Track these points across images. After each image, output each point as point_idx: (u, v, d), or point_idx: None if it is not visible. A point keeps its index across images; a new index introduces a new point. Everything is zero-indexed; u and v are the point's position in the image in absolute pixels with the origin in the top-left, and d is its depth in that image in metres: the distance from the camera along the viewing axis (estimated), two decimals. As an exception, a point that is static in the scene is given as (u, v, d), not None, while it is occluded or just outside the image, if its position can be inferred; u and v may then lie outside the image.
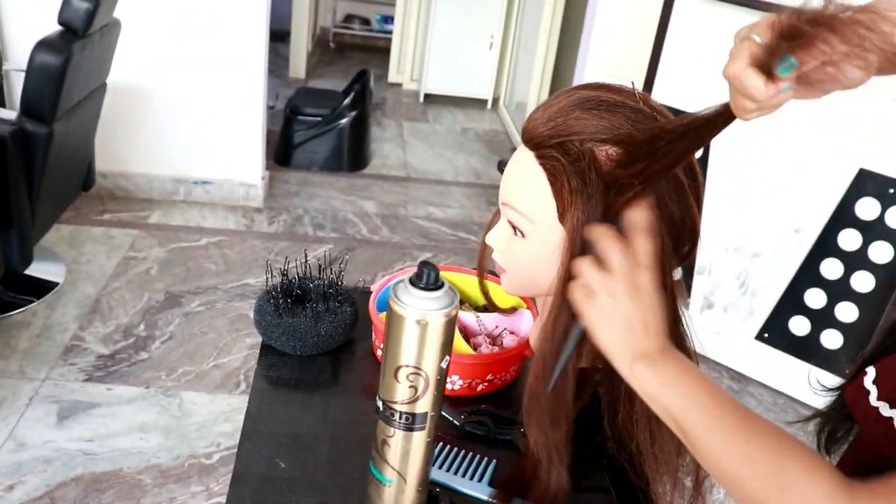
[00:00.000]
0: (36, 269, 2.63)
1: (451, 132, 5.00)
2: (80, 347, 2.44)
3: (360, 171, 4.12)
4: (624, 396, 0.93)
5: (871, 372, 0.86)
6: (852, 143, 2.34)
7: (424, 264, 0.70)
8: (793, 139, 2.43)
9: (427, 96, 5.39)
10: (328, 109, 3.92)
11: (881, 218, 2.35)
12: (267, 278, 1.13)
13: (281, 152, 3.94)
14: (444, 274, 1.21)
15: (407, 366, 0.71)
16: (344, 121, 3.94)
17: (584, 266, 0.74)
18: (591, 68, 3.42)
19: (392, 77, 5.63)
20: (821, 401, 0.90)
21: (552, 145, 0.85)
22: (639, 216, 0.75)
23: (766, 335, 2.64)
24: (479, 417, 1.00)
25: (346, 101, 3.94)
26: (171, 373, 2.39)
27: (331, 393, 1.04)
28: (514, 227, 0.91)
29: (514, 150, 3.82)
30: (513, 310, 1.16)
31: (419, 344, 0.70)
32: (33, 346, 2.41)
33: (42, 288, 2.69)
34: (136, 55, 3.13)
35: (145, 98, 3.25)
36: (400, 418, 0.74)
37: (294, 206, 3.60)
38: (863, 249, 2.40)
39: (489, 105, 5.47)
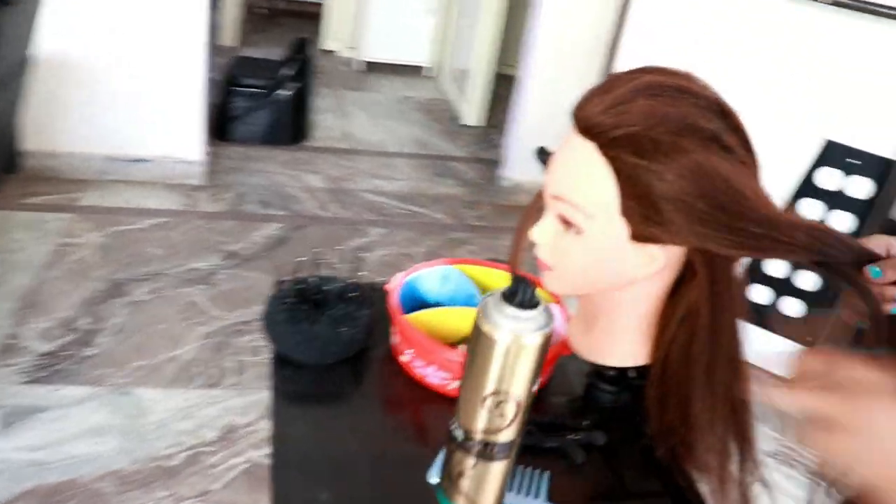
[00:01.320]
0: (-39, 260, 2.41)
1: (391, 101, 4.86)
2: (18, 346, 2.25)
3: (302, 144, 3.95)
4: (674, 394, 0.88)
5: None
6: (816, 113, 2.34)
7: (519, 280, 0.61)
8: (758, 111, 2.42)
9: (365, 64, 5.22)
10: (268, 80, 3.73)
11: (842, 188, 2.37)
12: (276, 282, 1.02)
13: (219, 126, 3.73)
14: (459, 267, 1.13)
15: (497, 392, 0.63)
16: (285, 92, 3.76)
17: (817, 401, 0.60)
18: (545, 34, 3.34)
19: (326, 44, 5.42)
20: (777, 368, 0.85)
21: (617, 139, 0.77)
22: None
23: (730, 305, 2.65)
24: (523, 427, 0.93)
25: (289, 71, 3.76)
26: (122, 368, 2.23)
27: (359, 406, 0.95)
28: (567, 222, 0.83)
29: (454, 118, 3.72)
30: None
31: (513, 368, 0.62)
32: (-35, 346, 2.21)
33: (-31, 280, 2.47)
34: (63, 25, 2.88)
35: (73, 71, 3.00)
36: (484, 448, 0.66)
37: (237, 183, 3.42)
38: (824, 219, 2.42)
39: (428, 73, 5.34)
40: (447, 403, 0.94)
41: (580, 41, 3.34)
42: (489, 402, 0.63)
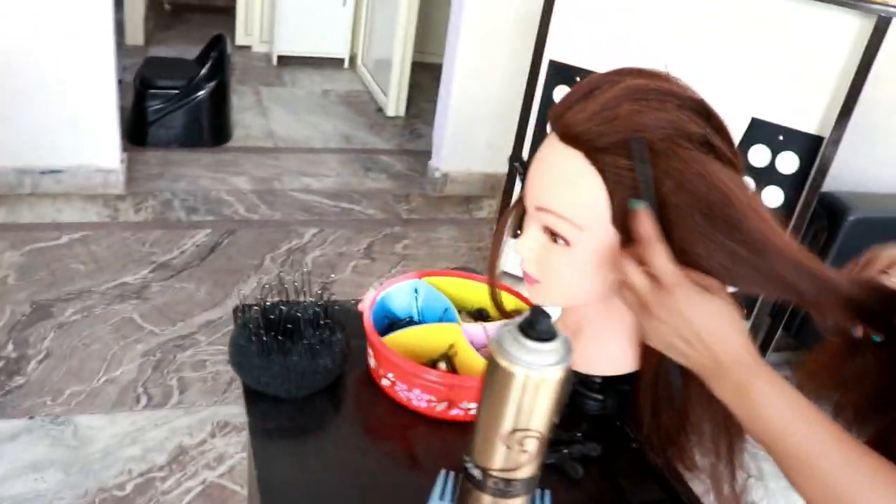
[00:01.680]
0: None
1: (311, 95, 4.75)
2: (-61, 380, 2.10)
3: (224, 145, 3.82)
4: (668, 399, 0.87)
5: None
6: (744, 92, 2.39)
7: (536, 311, 0.58)
8: (686, 91, 2.45)
9: (280, 58, 5.08)
10: (184, 80, 3.58)
11: (772, 164, 2.43)
12: (240, 309, 0.96)
13: (134, 130, 3.56)
14: (428, 280, 1.10)
15: (519, 430, 0.60)
16: (203, 92, 3.62)
17: (636, 277, 0.71)
18: (469, 23, 3.30)
19: (239, 39, 5.24)
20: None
21: (607, 146, 0.75)
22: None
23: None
24: (515, 444, 0.90)
25: (204, 70, 3.61)
26: (58, 396, 2.11)
27: (343, 437, 0.91)
28: (553, 234, 0.81)
29: (379, 110, 3.63)
30: (516, 313, 1.06)
31: (535, 403, 0.59)
32: None
33: None
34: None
35: (-27, 80, 2.81)
36: (505, 485, 0.63)
37: (160, 190, 3.28)
38: (756, 194, 2.48)
39: (346, 64, 5.24)
40: (435, 426, 0.92)
41: (506, 25, 3.32)
42: (512, 440, 0.60)
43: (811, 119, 2.36)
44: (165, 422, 2.08)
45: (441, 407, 0.92)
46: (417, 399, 0.93)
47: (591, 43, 2.48)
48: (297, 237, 3.12)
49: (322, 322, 0.95)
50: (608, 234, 0.78)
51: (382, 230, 3.30)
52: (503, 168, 3.60)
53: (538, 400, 0.59)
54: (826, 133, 2.33)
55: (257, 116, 4.28)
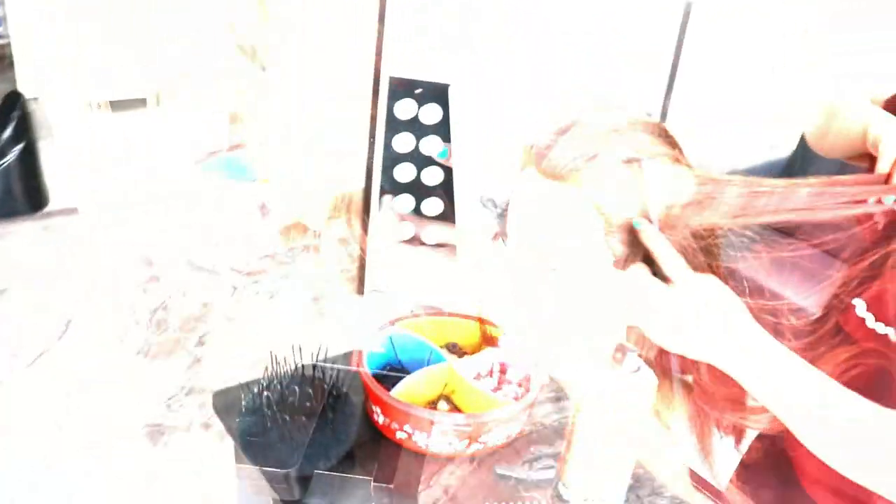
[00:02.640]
0: None
1: (126, 142, 4.46)
2: None
3: (45, 211, 3.52)
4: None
5: (860, 304, 0.98)
6: (577, 79, 2.56)
7: (622, 347, 0.64)
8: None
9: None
10: (-14, 147, 3.27)
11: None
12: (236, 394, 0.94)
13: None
14: (403, 325, 1.12)
15: (612, 456, 0.66)
16: (10, 156, 3.32)
17: None
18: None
19: (27, 91, 4.80)
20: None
21: (597, 177, 0.82)
22: None
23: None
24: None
25: (7, 132, 3.31)
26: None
27: (381, 498, 0.92)
28: (547, 265, 0.87)
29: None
30: (495, 340, 1.11)
31: (625, 431, 0.66)
32: None
33: None
34: None
35: None
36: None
37: (-14, 276, 2.97)
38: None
39: (154, 103, 4.96)
40: (459, 464, 0.96)
41: (326, 40, 3.29)
42: (605, 465, 0.66)
43: (640, 97, 2.58)
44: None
45: (462, 446, 0.96)
46: (437, 445, 0.96)
47: (427, 54, 2.54)
48: (154, 295, 2.96)
49: (332, 392, 0.95)
50: (603, 257, 0.85)
51: (241, 270, 3.20)
52: (346, 187, 3.59)
53: (628, 427, 0.65)
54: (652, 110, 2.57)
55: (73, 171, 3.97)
